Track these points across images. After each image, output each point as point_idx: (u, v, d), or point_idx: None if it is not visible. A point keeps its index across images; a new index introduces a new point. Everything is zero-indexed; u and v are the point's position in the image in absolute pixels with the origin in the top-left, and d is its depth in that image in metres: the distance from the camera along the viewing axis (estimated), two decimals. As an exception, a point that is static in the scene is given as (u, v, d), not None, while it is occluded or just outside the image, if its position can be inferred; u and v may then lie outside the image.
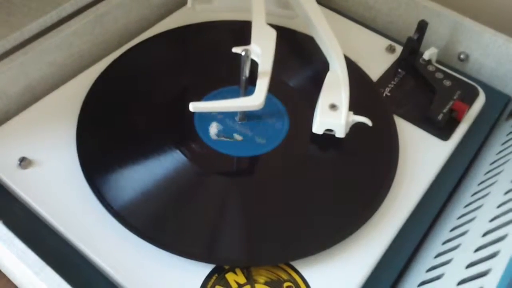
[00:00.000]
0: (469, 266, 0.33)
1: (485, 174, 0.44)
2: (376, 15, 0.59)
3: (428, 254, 0.39)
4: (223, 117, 0.45)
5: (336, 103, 0.43)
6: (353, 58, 0.51)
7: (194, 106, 0.39)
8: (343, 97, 0.43)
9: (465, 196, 0.43)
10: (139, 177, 0.40)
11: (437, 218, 0.43)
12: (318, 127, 0.43)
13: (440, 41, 0.55)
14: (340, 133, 0.43)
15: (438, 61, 0.52)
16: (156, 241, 0.37)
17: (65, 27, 0.48)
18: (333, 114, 0.42)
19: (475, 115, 0.48)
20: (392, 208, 0.41)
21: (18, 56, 0.45)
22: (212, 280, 0.36)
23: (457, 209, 0.42)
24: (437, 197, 0.44)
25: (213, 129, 0.42)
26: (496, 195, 0.38)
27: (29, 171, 0.41)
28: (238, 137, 0.42)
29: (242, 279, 0.37)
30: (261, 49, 0.43)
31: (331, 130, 0.43)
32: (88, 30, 0.49)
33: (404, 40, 0.52)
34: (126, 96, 0.46)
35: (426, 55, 0.51)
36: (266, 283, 0.37)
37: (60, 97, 0.46)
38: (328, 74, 0.45)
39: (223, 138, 0.41)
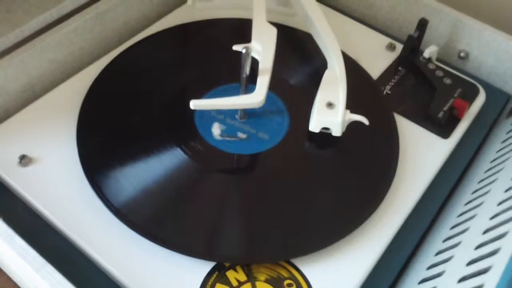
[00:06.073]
0: (469, 263, 0.33)
1: (486, 172, 0.44)
2: (377, 13, 0.59)
3: (428, 252, 0.40)
4: (224, 115, 0.45)
5: (333, 101, 0.43)
6: (353, 56, 0.51)
7: (194, 104, 0.39)
8: (340, 96, 0.43)
9: (466, 194, 0.43)
10: (139, 175, 0.40)
11: (438, 216, 0.43)
12: (314, 125, 0.43)
13: (440, 39, 0.55)
14: (337, 131, 0.43)
15: (438, 59, 0.52)
16: (157, 239, 0.37)
17: (65, 24, 0.48)
18: (330, 112, 0.42)
19: (475, 113, 0.48)
20: (393, 205, 0.41)
21: (19, 54, 0.45)
22: (213, 278, 0.36)
23: (457, 207, 0.42)
24: (438, 195, 0.44)
25: (216, 129, 0.42)
26: (496, 193, 0.38)
27: (29, 168, 0.41)
28: (242, 135, 0.42)
29: (242, 277, 0.37)
30: (261, 47, 0.43)
31: (327, 129, 0.43)
32: (89, 27, 0.49)
33: (404, 38, 0.52)
34: (126, 93, 0.46)
35: (427, 53, 0.51)
36: (266, 281, 0.37)
37: (61, 95, 0.46)
38: (326, 72, 0.45)
39: (227, 138, 0.41)
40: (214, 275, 0.36)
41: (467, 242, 0.35)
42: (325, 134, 0.43)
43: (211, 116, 0.45)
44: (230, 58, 0.43)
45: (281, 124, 0.45)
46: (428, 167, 0.44)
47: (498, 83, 0.53)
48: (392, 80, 0.50)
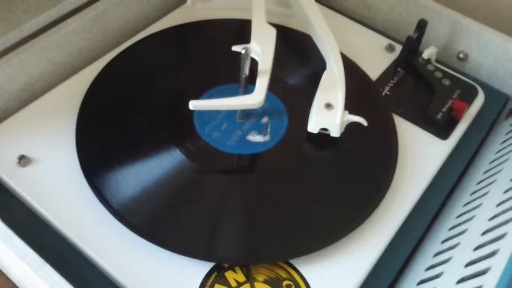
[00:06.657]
0: (468, 264, 0.33)
1: (484, 173, 0.44)
2: (376, 14, 0.59)
3: (427, 253, 0.40)
4: (222, 115, 0.45)
5: (332, 102, 0.43)
6: (352, 57, 0.51)
7: (193, 104, 0.39)
8: (339, 97, 0.43)
9: (464, 195, 0.43)
10: (138, 176, 0.40)
11: (436, 217, 0.43)
12: (313, 126, 0.43)
13: (439, 40, 0.55)
14: (335, 132, 0.43)
15: (437, 60, 0.52)
16: (155, 239, 0.37)
17: (64, 25, 0.48)
18: (328, 113, 0.42)
19: (474, 114, 0.48)
20: (391, 206, 0.41)
21: (18, 54, 0.45)
22: (212, 278, 0.36)
23: (456, 208, 0.43)
24: (436, 196, 0.44)
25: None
26: (495, 194, 0.38)
27: (28, 169, 0.41)
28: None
29: (241, 278, 0.37)
30: (261, 48, 0.43)
31: (326, 129, 0.43)
32: (88, 28, 0.49)
33: (403, 39, 0.52)
34: (125, 94, 0.46)
35: (426, 54, 0.51)
36: (265, 282, 0.37)
37: (60, 95, 0.46)
38: (325, 73, 0.45)
39: None
40: (213, 276, 0.36)
41: (466, 244, 0.35)
42: (323, 135, 0.43)
43: (210, 116, 0.45)
44: (229, 59, 0.43)
45: (280, 124, 0.45)
46: (427, 168, 0.44)
47: (497, 84, 0.53)
48: (391, 81, 0.50)
